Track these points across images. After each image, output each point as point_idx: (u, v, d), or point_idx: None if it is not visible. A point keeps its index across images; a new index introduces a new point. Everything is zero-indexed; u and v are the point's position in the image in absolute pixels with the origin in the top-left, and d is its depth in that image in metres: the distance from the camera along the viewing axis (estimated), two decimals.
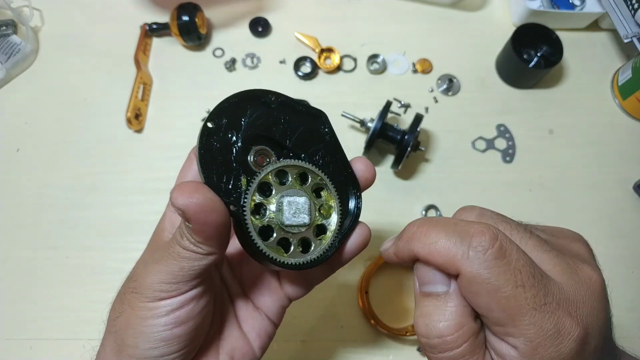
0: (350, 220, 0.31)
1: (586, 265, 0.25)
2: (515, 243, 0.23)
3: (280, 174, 0.30)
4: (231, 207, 0.28)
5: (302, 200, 0.29)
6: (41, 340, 0.53)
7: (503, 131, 0.64)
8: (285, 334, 0.53)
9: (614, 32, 0.69)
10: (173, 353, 0.29)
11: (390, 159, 0.62)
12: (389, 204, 0.60)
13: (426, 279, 0.25)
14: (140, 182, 0.60)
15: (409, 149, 0.55)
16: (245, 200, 0.28)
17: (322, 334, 0.54)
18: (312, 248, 0.30)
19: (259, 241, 0.28)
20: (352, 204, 0.32)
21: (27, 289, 0.55)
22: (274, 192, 0.30)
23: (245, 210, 0.28)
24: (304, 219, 0.29)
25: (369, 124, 0.58)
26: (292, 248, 0.30)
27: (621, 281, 0.57)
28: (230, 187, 0.28)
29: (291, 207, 0.29)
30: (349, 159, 0.33)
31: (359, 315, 0.55)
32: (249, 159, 0.29)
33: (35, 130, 0.62)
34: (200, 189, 0.26)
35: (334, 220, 0.30)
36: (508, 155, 0.63)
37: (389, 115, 0.62)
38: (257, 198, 0.29)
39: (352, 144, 0.62)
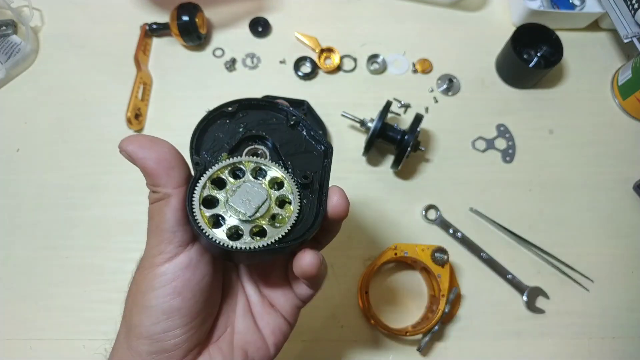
0: (294, 239, 0.30)
1: None
2: None
3: (259, 171, 0.31)
4: (196, 159, 0.30)
5: (260, 194, 0.29)
6: (41, 340, 0.53)
7: (503, 131, 0.64)
8: None
9: (614, 32, 0.69)
10: (175, 328, 0.29)
11: (390, 159, 0.62)
12: (388, 203, 0.60)
13: None
14: (141, 182, 0.59)
15: (409, 149, 0.55)
16: (213, 167, 0.30)
17: (322, 334, 0.54)
18: (241, 240, 0.29)
19: (197, 202, 0.28)
20: (307, 231, 0.30)
21: (27, 288, 0.55)
22: (242, 178, 0.30)
23: (205, 174, 0.29)
24: (249, 209, 0.29)
25: (369, 124, 0.58)
26: (221, 228, 0.29)
27: (621, 281, 0.57)
28: (210, 150, 0.31)
29: (246, 194, 0.29)
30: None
31: (359, 315, 0.55)
32: (243, 151, 0.32)
33: (35, 130, 0.62)
34: (142, 135, 0.29)
35: (280, 232, 0.29)
36: (508, 155, 0.63)
37: (389, 115, 0.62)
38: (226, 174, 0.30)
39: (352, 144, 0.62)
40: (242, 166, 0.30)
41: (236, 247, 0.28)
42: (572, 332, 0.55)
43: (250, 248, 0.28)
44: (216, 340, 0.33)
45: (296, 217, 0.30)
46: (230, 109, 0.32)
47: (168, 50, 0.67)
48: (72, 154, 0.61)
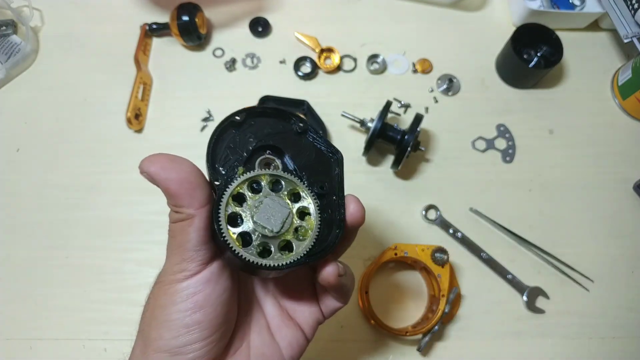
0: (319, 252, 0.31)
1: None
2: None
3: (276, 184, 0.31)
4: (215, 182, 0.30)
5: (283, 210, 0.30)
6: (41, 340, 0.53)
7: (503, 131, 0.64)
8: None
9: (614, 32, 0.69)
10: (195, 342, 0.29)
11: (390, 159, 0.62)
12: (388, 204, 0.60)
13: None
14: (141, 182, 0.59)
15: (409, 149, 0.55)
16: (232, 184, 0.29)
17: (322, 334, 0.54)
18: (270, 257, 0.30)
19: (224, 222, 0.29)
20: (331, 239, 0.31)
21: (27, 288, 0.55)
22: (261, 193, 0.30)
23: (226, 191, 0.29)
24: (275, 225, 0.29)
25: (369, 124, 0.58)
26: (250, 247, 0.30)
27: (621, 281, 0.57)
28: (225, 165, 0.31)
29: (269, 210, 0.30)
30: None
31: (359, 315, 0.55)
32: (256, 161, 0.32)
33: (35, 130, 0.62)
34: (163, 155, 0.29)
35: (305, 244, 0.30)
36: (508, 155, 0.63)
37: (389, 115, 0.62)
38: (244, 189, 0.30)
39: (352, 144, 0.62)
40: (259, 179, 0.30)
41: (270, 265, 0.29)
42: (572, 332, 0.55)
43: (281, 265, 0.29)
44: (233, 354, 0.33)
45: (318, 229, 0.30)
46: (238, 118, 0.31)
47: (168, 51, 0.67)
48: (72, 154, 0.61)
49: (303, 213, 0.31)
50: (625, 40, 0.63)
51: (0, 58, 0.63)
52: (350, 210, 0.32)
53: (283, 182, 0.31)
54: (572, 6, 0.69)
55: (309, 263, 0.30)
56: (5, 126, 0.62)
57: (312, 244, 0.30)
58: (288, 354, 0.34)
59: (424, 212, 0.59)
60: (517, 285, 0.56)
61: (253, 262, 0.28)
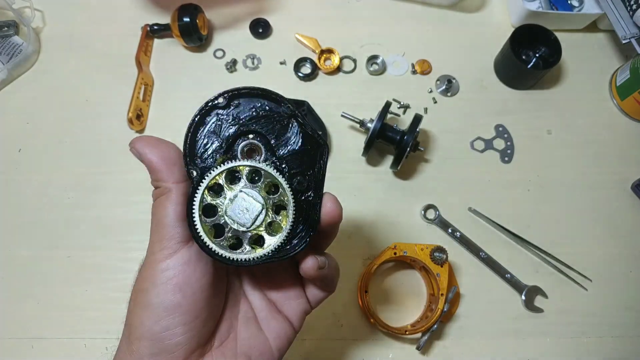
0: (289, 249, 0.31)
1: None
2: None
3: (255, 174, 0.30)
4: (193, 172, 0.30)
5: (256, 205, 0.29)
6: (43, 339, 0.54)
7: (501, 131, 0.64)
8: None
9: (612, 33, 0.69)
10: (176, 326, 0.29)
11: (389, 159, 0.62)
12: (388, 203, 0.60)
13: None
14: (142, 182, 0.60)
15: (408, 149, 0.55)
16: (210, 173, 0.29)
17: (322, 333, 0.54)
18: (240, 250, 0.30)
19: (197, 214, 0.29)
20: (301, 240, 0.31)
21: (28, 288, 0.56)
22: (239, 184, 0.30)
23: (204, 179, 0.29)
24: (246, 221, 0.29)
25: (369, 125, 0.58)
26: (221, 239, 0.30)
27: (619, 281, 0.58)
28: (204, 154, 0.30)
29: (242, 204, 0.29)
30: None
31: (358, 314, 0.55)
32: (238, 147, 0.31)
33: (37, 130, 0.63)
34: (152, 137, 0.31)
35: (274, 241, 0.30)
36: (506, 155, 0.63)
37: (389, 115, 0.62)
38: (222, 179, 0.29)
39: (352, 145, 0.62)
40: (238, 169, 0.30)
41: (235, 259, 0.29)
42: (571, 331, 0.56)
43: (247, 259, 0.30)
44: (219, 346, 0.33)
45: (291, 226, 0.30)
46: (220, 101, 0.30)
47: (169, 51, 0.67)
48: (74, 154, 0.61)
49: (279, 207, 0.30)
50: (624, 41, 0.63)
51: (2, 59, 0.63)
52: (327, 209, 0.31)
53: (262, 173, 0.30)
54: (571, 7, 0.69)
55: (279, 260, 0.30)
56: (7, 126, 0.63)
57: (282, 241, 0.30)
58: (276, 345, 0.34)
59: (423, 212, 0.59)
60: (515, 284, 0.57)
61: (220, 255, 0.29)
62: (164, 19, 0.67)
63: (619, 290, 0.58)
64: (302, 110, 0.62)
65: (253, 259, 0.30)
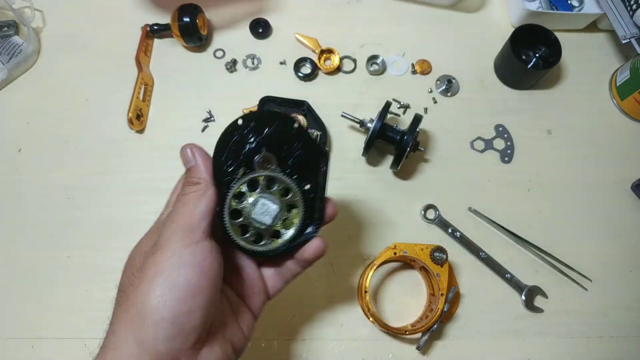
0: (303, 238, 0.38)
1: None
2: None
3: (270, 181, 0.37)
4: (220, 180, 0.36)
5: (273, 207, 0.37)
6: (43, 339, 0.54)
7: (502, 131, 0.64)
8: (286, 332, 0.54)
9: (612, 33, 0.69)
10: (197, 310, 0.31)
11: (389, 159, 0.62)
12: (388, 203, 0.60)
13: None
14: (142, 182, 0.60)
15: (408, 149, 0.55)
16: (235, 184, 0.36)
17: (322, 333, 0.54)
18: (263, 243, 0.38)
19: (227, 218, 0.36)
20: (310, 229, 0.38)
21: (28, 288, 0.56)
22: (258, 190, 0.37)
23: (230, 190, 0.36)
24: (267, 220, 0.37)
25: (369, 125, 0.58)
26: (247, 236, 0.37)
27: (619, 280, 0.58)
28: (229, 170, 0.36)
29: (263, 207, 0.37)
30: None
31: (358, 314, 0.55)
32: (255, 159, 0.37)
33: (37, 130, 0.63)
34: (198, 145, 0.36)
35: (289, 233, 0.38)
36: (506, 155, 0.63)
37: (389, 115, 0.62)
38: (244, 188, 0.37)
39: (352, 145, 0.62)
40: (257, 179, 0.37)
41: (260, 251, 0.37)
42: (571, 331, 0.56)
43: (270, 249, 0.38)
44: (214, 334, 0.35)
45: (301, 221, 0.38)
46: (240, 122, 0.36)
47: (169, 51, 0.67)
48: (74, 154, 0.61)
49: (291, 206, 0.38)
50: (624, 41, 0.63)
51: (2, 59, 0.63)
52: (328, 212, 0.39)
53: (276, 180, 0.37)
54: (571, 7, 0.69)
55: (293, 248, 0.38)
56: (7, 126, 0.63)
57: (295, 232, 0.38)
58: (247, 334, 0.38)
59: (423, 212, 0.59)
60: (515, 284, 0.57)
61: (248, 249, 0.37)
62: (164, 19, 0.67)
63: (619, 290, 0.58)
64: (302, 110, 0.62)
65: (274, 248, 0.38)
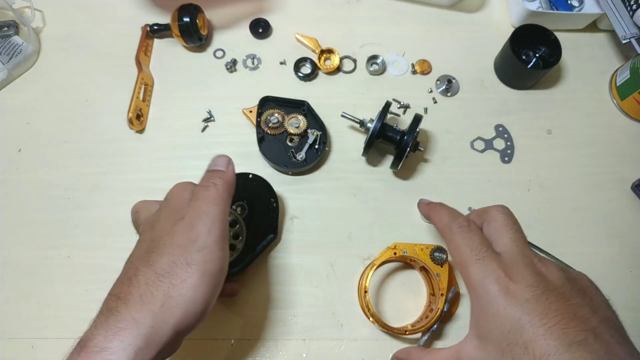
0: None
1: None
2: (476, 225, 0.43)
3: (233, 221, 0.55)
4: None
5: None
6: (42, 339, 0.54)
7: (501, 131, 0.64)
8: (286, 332, 0.54)
9: (612, 33, 0.69)
10: (226, 252, 0.39)
11: (389, 159, 0.62)
12: (388, 203, 0.60)
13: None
14: (142, 182, 0.60)
15: (408, 149, 0.55)
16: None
17: (321, 333, 0.54)
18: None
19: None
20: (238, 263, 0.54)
21: (28, 288, 0.56)
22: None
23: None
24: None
25: (369, 125, 0.58)
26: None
27: (619, 280, 0.58)
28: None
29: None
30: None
31: (358, 314, 0.55)
32: (233, 208, 0.55)
33: (37, 130, 0.63)
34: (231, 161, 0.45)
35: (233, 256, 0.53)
36: (506, 155, 0.63)
37: (389, 115, 0.62)
38: (234, 215, 0.54)
39: (352, 145, 0.62)
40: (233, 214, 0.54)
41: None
42: None
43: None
44: None
45: (239, 252, 0.53)
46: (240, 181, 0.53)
47: (169, 51, 0.67)
48: (74, 154, 0.61)
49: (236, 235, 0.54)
50: (624, 41, 0.63)
51: (2, 59, 0.63)
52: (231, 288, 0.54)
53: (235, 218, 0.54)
54: (571, 7, 0.69)
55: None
56: (7, 126, 0.63)
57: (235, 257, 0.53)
58: None
59: None
60: None
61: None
62: (164, 19, 0.67)
63: (619, 290, 0.57)
64: (302, 111, 0.62)
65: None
